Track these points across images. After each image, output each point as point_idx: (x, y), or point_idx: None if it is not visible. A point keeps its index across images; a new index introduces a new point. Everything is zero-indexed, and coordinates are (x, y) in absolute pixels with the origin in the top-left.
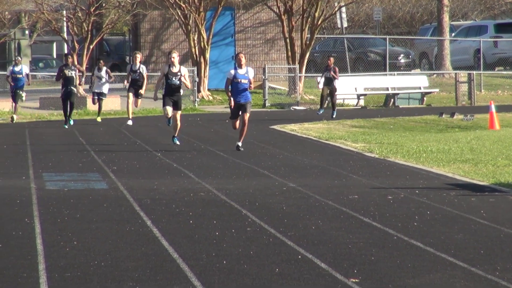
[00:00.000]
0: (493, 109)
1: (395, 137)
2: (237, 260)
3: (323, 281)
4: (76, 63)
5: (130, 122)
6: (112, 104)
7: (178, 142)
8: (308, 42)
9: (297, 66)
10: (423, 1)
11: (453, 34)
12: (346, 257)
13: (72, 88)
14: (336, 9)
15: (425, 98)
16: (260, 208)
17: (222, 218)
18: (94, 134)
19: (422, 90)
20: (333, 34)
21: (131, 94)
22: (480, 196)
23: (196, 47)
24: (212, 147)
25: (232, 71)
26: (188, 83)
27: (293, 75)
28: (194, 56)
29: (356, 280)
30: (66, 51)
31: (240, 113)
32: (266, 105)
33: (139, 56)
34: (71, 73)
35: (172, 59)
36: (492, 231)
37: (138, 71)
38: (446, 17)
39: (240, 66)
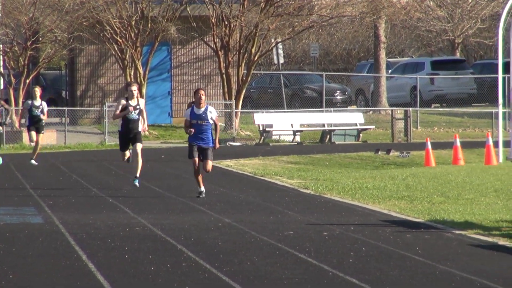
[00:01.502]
0: (429, 146)
1: (331, 173)
2: None
3: None
4: (0, 100)
5: (34, 162)
6: (49, 138)
7: (137, 184)
8: (244, 78)
9: (233, 102)
10: (359, 37)
11: (389, 71)
12: None
13: None
14: (273, 45)
15: (361, 135)
16: (196, 244)
17: (158, 253)
18: (30, 168)
19: (358, 127)
20: (270, 70)
21: (33, 133)
22: (415, 232)
23: None
24: (147, 182)
25: (189, 110)
26: (145, 119)
27: (229, 110)
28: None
29: None
30: (2, 85)
31: (202, 159)
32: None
33: (39, 90)
34: None
35: (133, 91)
36: (427, 267)
37: (41, 107)
38: (382, 54)
39: (198, 105)
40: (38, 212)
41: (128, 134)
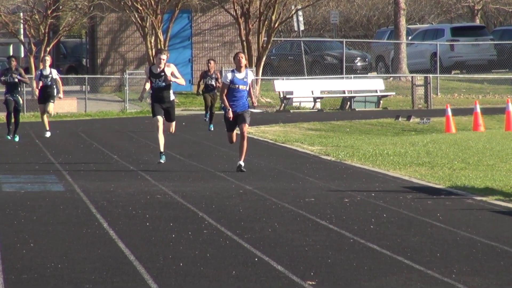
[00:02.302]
0: (449, 112)
1: (352, 140)
2: (194, 262)
3: (279, 284)
4: (19, 69)
5: (48, 134)
6: (69, 106)
7: (162, 161)
8: (265, 45)
9: (254, 69)
10: (379, 4)
11: (409, 38)
12: (302, 260)
13: (17, 96)
14: (293, 12)
15: (381, 101)
16: (217, 211)
17: (179, 221)
18: (51, 136)
19: (379, 94)
20: (290, 37)
21: (42, 105)
22: (436, 199)
23: (153, 50)
24: (169, 149)
25: (229, 74)
26: (179, 80)
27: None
28: (151, 58)
29: (313, 283)
30: (23, 54)
31: (238, 125)
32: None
33: (49, 59)
34: (13, 79)
35: (161, 59)
36: (448, 234)
37: (50, 75)
38: (402, 21)
39: (239, 69)
40: (59, 180)
41: (158, 101)
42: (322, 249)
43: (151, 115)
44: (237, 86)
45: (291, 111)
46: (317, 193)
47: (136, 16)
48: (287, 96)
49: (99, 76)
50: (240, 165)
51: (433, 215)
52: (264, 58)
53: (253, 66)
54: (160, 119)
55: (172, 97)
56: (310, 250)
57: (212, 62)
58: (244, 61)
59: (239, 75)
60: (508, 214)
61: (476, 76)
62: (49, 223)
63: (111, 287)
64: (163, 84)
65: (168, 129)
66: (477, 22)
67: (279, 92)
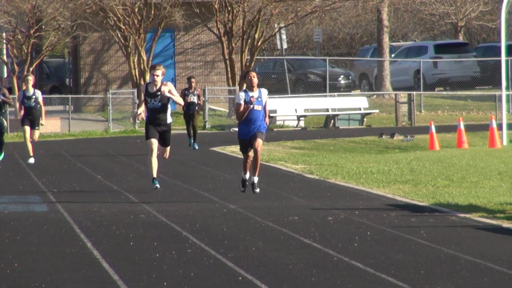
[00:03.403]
0: (433, 129)
1: (335, 158)
2: (178, 282)
3: None
4: (3, 88)
5: (31, 160)
6: (53, 126)
7: (158, 185)
8: (248, 64)
9: (237, 87)
10: (362, 22)
11: (393, 55)
12: (286, 278)
13: (1, 118)
14: (276, 30)
15: (365, 119)
16: (201, 230)
17: (163, 240)
18: (35, 156)
19: (362, 111)
20: (273, 55)
21: (27, 128)
22: (420, 216)
23: (136, 69)
24: None
25: (242, 94)
26: (176, 98)
27: (233, 96)
28: (134, 78)
29: None
30: (5, 74)
31: (252, 142)
32: (206, 126)
33: (31, 79)
34: None
35: (155, 76)
36: (432, 251)
37: (34, 96)
38: (386, 38)
39: (251, 89)
40: (43, 200)
41: (153, 123)
42: (306, 267)
43: (135, 134)
44: (251, 106)
45: (275, 129)
46: (300, 212)
47: (119, 35)
48: (271, 115)
49: (82, 95)
50: (254, 183)
51: (417, 232)
52: None
53: (236, 84)
54: (155, 142)
55: (169, 119)
56: (294, 268)
57: (193, 79)
58: (256, 80)
59: (252, 94)
60: (491, 231)
61: (459, 93)
62: (33, 243)
63: None
64: (159, 104)
65: (161, 154)
66: (460, 39)
67: None
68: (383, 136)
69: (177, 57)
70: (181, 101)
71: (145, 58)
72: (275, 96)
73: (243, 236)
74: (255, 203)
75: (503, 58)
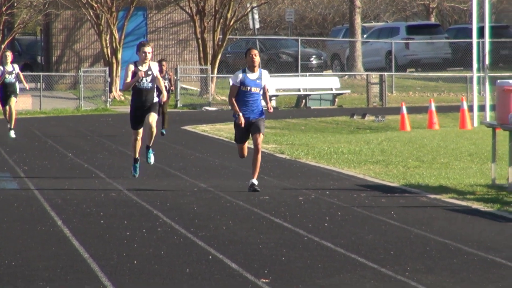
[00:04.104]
0: (404, 110)
1: (306, 138)
2: (148, 260)
3: (233, 281)
4: None
5: (12, 134)
6: (24, 104)
7: (152, 159)
8: (220, 43)
9: (209, 66)
10: (335, 2)
11: (365, 36)
12: (257, 258)
13: None
14: (248, 10)
15: (336, 99)
16: (171, 209)
17: (133, 218)
18: (5, 134)
19: (334, 92)
20: (245, 35)
21: (4, 103)
22: (390, 197)
23: (108, 47)
24: (123, 147)
25: (240, 75)
26: (163, 89)
27: (205, 75)
28: (106, 56)
29: (267, 281)
30: None
31: (251, 134)
32: (178, 105)
33: (10, 55)
34: None
35: (146, 53)
36: (402, 232)
37: (14, 72)
38: (358, 19)
39: (252, 69)
40: (14, 178)
41: (141, 107)
42: (276, 247)
43: (106, 112)
44: (248, 88)
45: None
46: (271, 191)
47: (91, 13)
48: None
49: (54, 73)
50: (253, 184)
51: (387, 213)
52: (219, 56)
53: (208, 64)
54: (140, 130)
55: (155, 99)
56: (264, 248)
57: (164, 62)
58: (257, 59)
59: (251, 76)
60: (461, 212)
61: (431, 74)
62: (3, 220)
63: (65, 285)
64: (150, 85)
65: (147, 122)
66: (432, 20)
67: None
68: (354, 117)
69: (149, 36)
70: (164, 91)
71: (117, 36)
72: None
73: (213, 215)
74: (226, 182)
75: (475, 40)
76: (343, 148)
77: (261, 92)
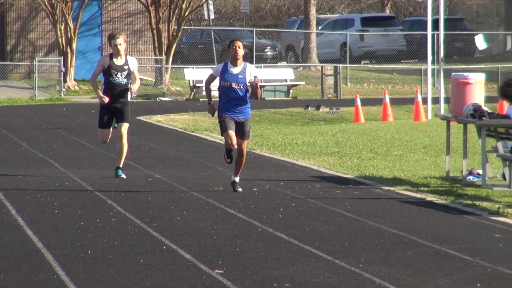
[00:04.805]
0: (359, 102)
1: (261, 129)
2: (102, 250)
3: (187, 272)
4: None
5: None
6: None
7: (123, 175)
8: (175, 34)
9: (163, 57)
10: None
11: (319, 27)
12: (211, 248)
13: None
14: (203, 0)
15: (291, 91)
16: (126, 199)
17: (87, 208)
18: None
19: (288, 83)
20: (200, 25)
21: None
22: (344, 188)
23: (63, 37)
24: (78, 137)
25: (220, 66)
26: (138, 82)
27: (159, 66)
28: (61, 46)
29: (221, 271)
30: None
31: (237, 136)
32: (132, 96)
33: None
34: None
35: (118, 46)
36: (356, 223)
37: None
38: (313, 10)
39: (234, 62)
40: None
41: (112, 103)
42: (231, 238)
43: (61, 102)
44: (228, 84)
45: (201, 99)
46: (226, 182)
47: (46, 2)
48: (197, 85)
49: (8, 62)
50: (235, 182)
51: (342, 204)
52: (174, 47)
53: (163, 54)
54: (107, 134)
55: (129, 96)
56: (218, 238)
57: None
58: (241, 52)
59: (233, 70)
60: (415, 204)
61: (385, 66)
62: None
63: (19, 275)
64: (125, 80)
65: (119, 131)
66: (387, 12)
67: (189, 81)
68: (309, 108)
69: (104, 26)
70: (138, 82)
71: (72, 26)
72: (201, 66)
73: (168, 206)
74: (181, 172)
75: (429, 32)
76: (297, 139)
77: (247, 88)
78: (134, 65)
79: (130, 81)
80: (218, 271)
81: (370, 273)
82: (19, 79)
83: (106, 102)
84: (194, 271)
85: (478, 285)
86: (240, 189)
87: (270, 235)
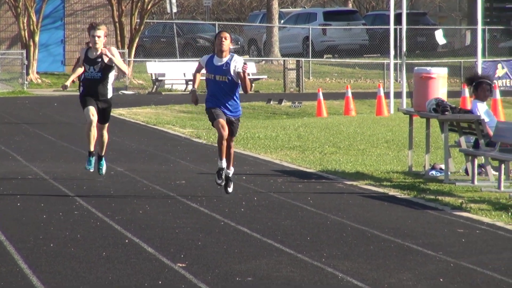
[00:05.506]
0: (321, 96)
1: None
2: (64, 243)
3: (150, 265)
4: None
5: None
6: None
7: (104, 170)
8: (137, 27)
9: (126, 50)
10: None
11: (282, 21)
12: (173, 242)
13: None
14: None
15: (253, 85)
16: (88, 192)
17: (50, 202)
18: None
19: (251, 77)
20: (163, 19)
21: None
22: (307, 183)
23: (26, 30)
24: (40, 130)
25: (205, 57)
26: (122, 65)
27: (122, 59)
28: (24, 39)
29: (183, 265)
30: None
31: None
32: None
33: None
34: None
35: (95, 38)
36: (319, 218)
37: None
38: (275, 4)
39: (219, 54)
40: None
41: (91, 96)
42: (193, 231)
43: (23, 95)
44: (212, 76)
45: (163, 93)
46: (188, 176)
47: None
48: (159, 78)
49: None
50: (228, 178)
51: (304, 199)
52: (136, 40)
53: (126, 47)
54: (93, 110)
55: (110, 93)
56: (180, 232)
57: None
58: (227, 43)
59: (217, 61)
60: (378, 198)
61: (348, 60)
62: None
63: None
64: (99, 74)
65: (100, 131)
66: (350, 6)
67: (151, 74)
68: (271, 102)
69: (66, 19)
70: (125, 68)
71: (34, 19)
72: (164, 59)
73: (130, 199)
74: (143, 166)
75: (392, 26)
76: (259, 133)
77: (235, 83)
78: (114, 55)
79: (110, 76)
80: (181, 265)
81: (332, 267)
82: None
83: (64, 89)
84: (156, 265)
85: (441, 279)
86: (230, 189)
87: (233, 229)
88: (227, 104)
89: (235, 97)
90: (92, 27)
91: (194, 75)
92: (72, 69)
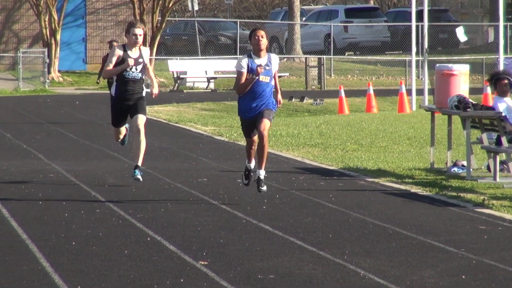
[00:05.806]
0: (343, 93)
1: None
2: (86, 241)
3: (172, 263)
4: None
5: None
6: None
7: (139, 177)
8: (159, 25)
9: (148, 48)
10: None
11: (304, 19)
12: (195, 240)
13: None
14: None
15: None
16: (110, 190)
17: (72, 200)
18: None
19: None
20: (184, 17)
21: None
22: (329, 180)
23: (47, 28)
24: (62, 128)
25: (244, 61)
26: (155, 83)
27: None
28: (45, 37)
29: (205, 263)
30: None
31: (256, 122)
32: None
33: None
34: None
35: (137, 36)
36: (341, 215)
37: None
38: (297, 1)
39: (257, 53)
40: None
41: (125, 101)
42: (215, 229)
43: (45, 94)
44: (256, 77)
45: (185, 91)
46: (210, 174)
47: None
48: (181, 76)
49: None
50: (259, 178)
51: (326, 196)
52: (158, 38)
53: (147, 45)
54: (123, 129)
55: (144, 91)
56: (202, 230)
57: (115, 43)
58: (264, 42)
59: (258, 62)
60: (400, 196)
61: (369, 57)
62: None
63: (3, 266)
64: (140, 75)
65: (135, 125)
66: (371, 3)
67: (172, 72)
68: (293, 100)
69: (88, 17)
70: (154, 81)
71: (56, 17)
72: (185, 57)
73: (152, 197)
74: (165, 164)
75: (414, 23)
76: (281, 131)
77: (272, 82)
78: (147, 56)
79: (144, 76)
80: (202, 263)
81: (354, 265)
82: (3, 70)
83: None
84: (178, 263)
85: (463, 276)
86: (264, 188)
87: (255, 226)
88: (266, 101)
89: (270, 94)
90: (132, 25)
91: (243, 85)
92: (105, 70)
